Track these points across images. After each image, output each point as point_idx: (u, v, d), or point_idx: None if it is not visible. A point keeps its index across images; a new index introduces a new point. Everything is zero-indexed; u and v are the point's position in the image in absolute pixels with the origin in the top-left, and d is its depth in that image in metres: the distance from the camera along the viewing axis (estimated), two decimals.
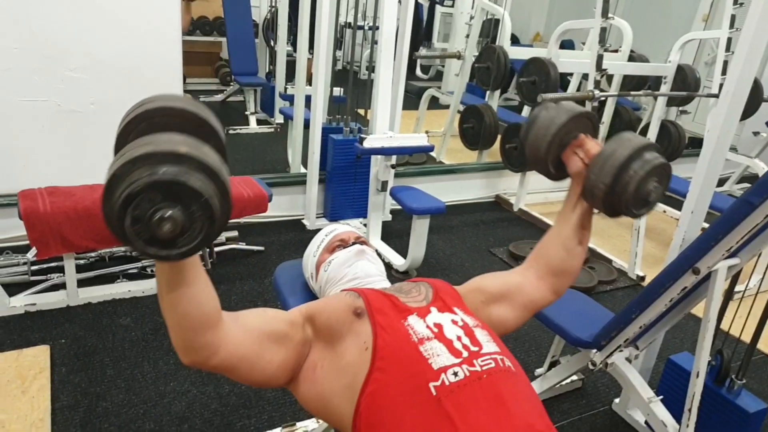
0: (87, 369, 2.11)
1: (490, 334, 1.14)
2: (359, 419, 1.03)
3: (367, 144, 2.86)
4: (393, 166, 3.02)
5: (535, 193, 4.10)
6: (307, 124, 3.72)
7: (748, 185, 4.79)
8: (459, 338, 1.09)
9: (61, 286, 2.49)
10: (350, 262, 1.39)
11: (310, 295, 1.52)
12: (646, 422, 2.11)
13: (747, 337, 1.83)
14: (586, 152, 1.23)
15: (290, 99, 4.19)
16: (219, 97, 5.77)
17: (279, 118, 5.12)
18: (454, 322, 1.13)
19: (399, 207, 3.52)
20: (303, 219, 3.50)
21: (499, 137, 3.96)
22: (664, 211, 4.14)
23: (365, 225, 3.42)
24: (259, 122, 5.14)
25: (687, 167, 4.67)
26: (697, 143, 4.77)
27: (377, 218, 3.24)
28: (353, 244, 1.45)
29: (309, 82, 3.51)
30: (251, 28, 5.35)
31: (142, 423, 1.91)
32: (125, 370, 2.13)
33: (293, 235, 3.36)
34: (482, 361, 1.06)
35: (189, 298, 0.95)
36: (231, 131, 4.91)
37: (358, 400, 1.03)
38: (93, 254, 2.73)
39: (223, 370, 1.05)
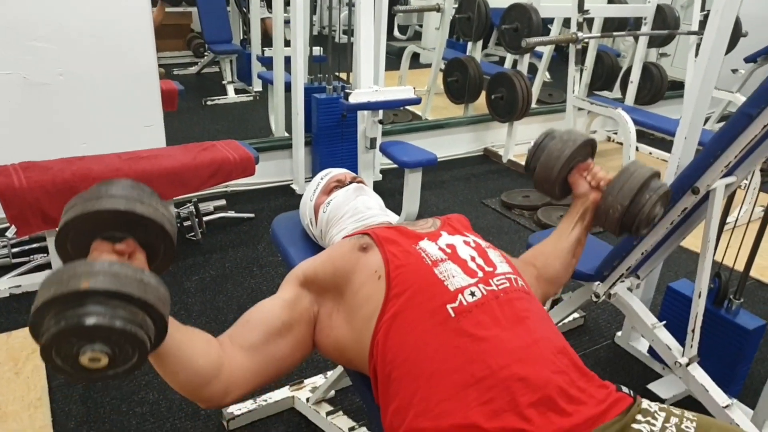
0: None
1: (502, 256, 1.13)
2: (376, 348, 1.00)
3: (353, 99, 2.78)
4: (380, 122, 2.96)
5: (522, 143, 4.06)
6: (287, 88, 3.65)
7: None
8: (473, 258, 1.08)
9: (46, 266, 2.44)
10: (350, 199, 1.36)
11: (310, 243, 1.48)
12: (648, 351, 2.13)
13: (739, 266, 1.85)
14: (593, 176, 1.32)
15: (268, 62, 4.08)
16: (193, 69, 5.62)
17: (257, 86, 5.00)
18: (466, 243, 1.12)
19: (389, 166, 3.50)
20: (292, 184, 3.44)
21: (484, 90, 3.90)
22: (650, 153, 4.14)
23: None
24: (237, 91, 5.02)
25: (669, 109, 4.68)
26: (677, 86, 4.76)
27: (368, 177, 3.17)
28: (350, 183, 1.41)
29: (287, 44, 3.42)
30: None
31: (145, 393, 1.88)
32: None
33: (283, 200, 3.30)
34: (497, 280, 1.04)
35: (182, 367, 0.91)
36: (209, 102, 4.80)
37: (375, 328, 1.01)
38: None
39: (241, 398, 1.03)
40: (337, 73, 3.63)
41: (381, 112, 2.95)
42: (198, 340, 0.95)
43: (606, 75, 4.54)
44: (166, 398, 1.86)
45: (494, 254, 1.12)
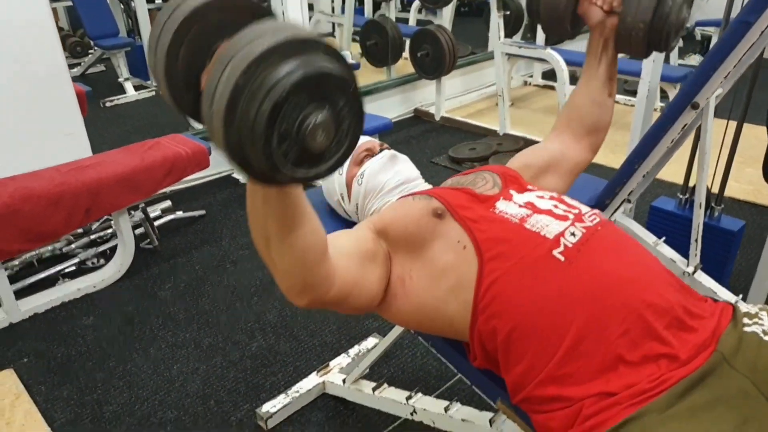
0: (71, 380, 1.86)
1: (576, 201, 1.12)
2: (485, 317, 0.96)
3: None
4: None
5: (450, 98, 4.12)
6: None
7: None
8: (555, 206, 1.05)
9: None
10: (387, 167, 1.28)
11: (341, 222, 1.40)
12: None
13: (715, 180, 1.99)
14: (604, 0, 1.21)
15: None
16: (76, 71, 5.10)
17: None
18: (540, 197, 1.09)
19: None
20: (233, 173, 3.25)
21: (407, 50, 3.88)
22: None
23: None
24: (136, 88, 4.64)
25: (578, 45, 4.92)
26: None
27: None
28: (381, 150, 1.33)
29: None
30: None
31: (162, 413, 1.72)
32: (116, 369, 1.90)
33: (229, 192, 3.12)
34: (588, 217, 1.03)
35: (309, 229, 0.82)
36: (108, 103, 4.41)
37: (475, 299, 0.96)
38: (16, 262, 2.36)
39: (336, 301, 0.94)
40: None
41: None
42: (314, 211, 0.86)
43: (513, 21, 4.67)
44: (187, 412, 1.72)
45: (569, 198, 1.10)
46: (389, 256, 1.05)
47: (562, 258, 0.94)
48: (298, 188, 0.78)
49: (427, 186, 1.30)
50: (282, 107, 0.59)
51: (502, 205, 1.05)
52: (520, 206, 1.05)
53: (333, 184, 1.36)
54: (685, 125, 1.62)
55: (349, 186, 1.32)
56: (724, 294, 1.76)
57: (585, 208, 1.07)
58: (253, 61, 0.57)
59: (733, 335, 0.92)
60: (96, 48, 4.73)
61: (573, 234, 0.98)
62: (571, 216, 1.02)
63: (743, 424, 0.82)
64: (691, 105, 1.57)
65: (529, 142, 3.46)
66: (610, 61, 1.27)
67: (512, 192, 1.10)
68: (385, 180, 1.27)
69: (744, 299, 1.94)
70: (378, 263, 1.02)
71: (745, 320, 0.95)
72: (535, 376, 0.92)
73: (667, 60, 4.58)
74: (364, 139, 1.38)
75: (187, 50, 0.69)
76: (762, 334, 0.92)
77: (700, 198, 1.73)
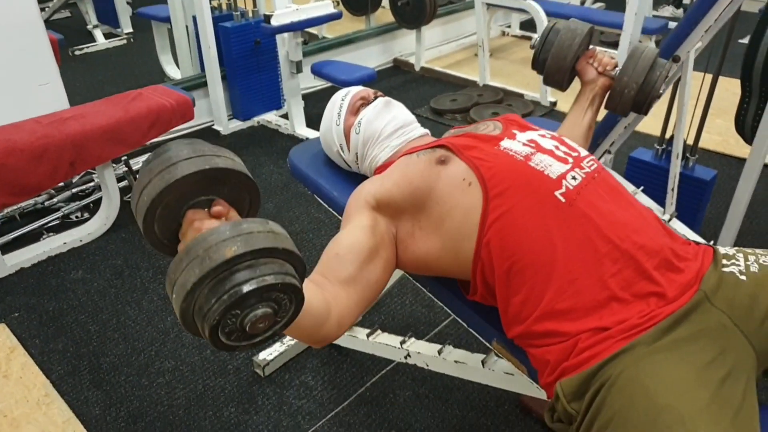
0: (65, 332, 1.88)
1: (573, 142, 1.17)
2: (487, 250, 1.01)
3: (276, 22, 2.62)
4: (305, 42, 2.83)
5: (430, 48, 4.09)
6: (166, 21, 3.35)
7: (602, 4, 5.12)
8: (557, 147, 1.11)
9: None
10: (383, 114, 1.30)
11: (338, 171, 1.43)
12: None
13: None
14: (599, 62, 1.40)
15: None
16: (41, 16, 4.89)
17: (127, 27, 4.50)
18: (542, 136, 1.14)
19: (308, 91, 3.38)
20: (213, 125, 3.21)
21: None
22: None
23: (284, 117, 3.24)
24: (106, 36, 4.49)
25: None
26: None
27: (297, 104, 3.06)
28: (375, 98, 1.35)
29: None
30: None
31: (160, 363, 1.77)
32: (109, 321, 1.93)
33: (212, 143, 3.08)
34: (587, 162, 1.09)
35: (302, 322, 0.84)
36: (78, 52, 4.26)
37: (479, 234, 1.02)
38: None
39: (357, 319, 1.06)
40: None
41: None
42: (314, 292, 0.92)
43: None
44: (185, 362, 1.77)
45: (569, 141, 1.15)
46: (392, 225, 1.11)
47: (563, 199, 1.00)
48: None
49: (423, 130, 1.34)
50: (217, 327, 0.68)
51: (506, 143, 1.10)
52: (524, 144, 1.10)
53: (332, 135, 1.37)
54: (666, 77, 1.67)
55: (347, 136, 1.34)
56: (698, 240, 1.85)
57: (583, 152, 1.13)
58: (186, 293, 0.66)
59: (714, 275, 1.00)
60: None
61: (574, 178, 1.04)
62: (570, 160, 1.08)
63: (720, 354, 0.90)
64: (672, 58, 1.62)
65: (509, 93, 3.49)
66: (593, 113, 1.43)
67: (515, 131, 1.15)
68: (382, 126, 1.30)
69: (714, 244, 2.05)
70: (378, 252, 1.07)
71: (724, 261, 1.03)
72: (532, 310, 0.98)
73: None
74: (357, 88, 1.40)
75: (161, 214, 0.76)
76: (738, 274, 1.01)
77: (678, 149, 1.80)
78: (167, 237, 0.78)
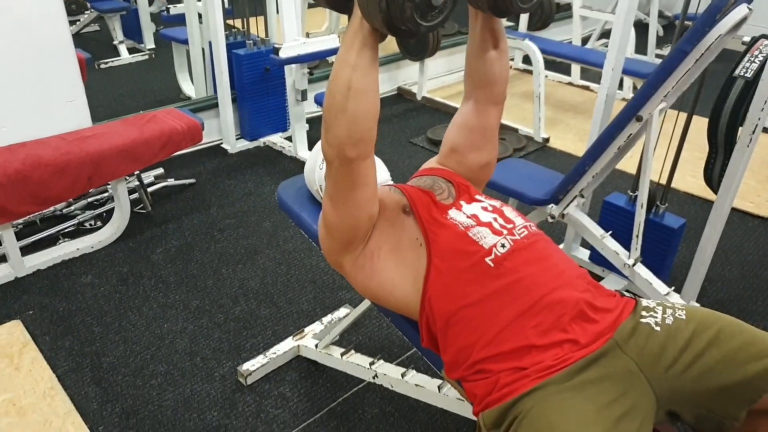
0: (72, 332, 2.06)
1: (514, 210, 1.32)
2: (429, 305, 1.19)
3: (284, 54, 2.82)
4: (310, 72, 3.02)
5: (433, 78, 4.27)
6: (185, 42, 3.56)
7: (607, 40, 5.26)
8: (495, 220, 1.26)
9: (1, 259, 2.33)
10: None
11: (319, 208, 1.59)
12: (589, 258, 2.49)
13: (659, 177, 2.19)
14: None
15: (173, 20, 3.90)
16: (72, 30, 5.13)
17: (150, 43, 4.74)
18: (485, 209, 1.29)
19: (313, 115, 3.56)
20: (222, 143, 3.41)
21: None
22: (547, 76, 4.51)
23: (288, 139, 3.42)
24: (130, 51, 4.73)
25: (559, 30, 5.06)
26: (562, 8, 5.14)
27: (301, 129, 3.25)
28: None
29: None
30: None
31: (154, 366, 1.94)
32: (112, 324, 2.11)
33: (218, 161, 3.29)
34: (518, 231, 1.24)
35: (377, 83, 1.08)
36: (103, 65, 4.50)
37: (423, 289, 1.19)
38: (20, 221, 2.54)
39: (362, 176, 1.16)
40: (228, 21, 3.54)
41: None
42: None
43: None
44: (176, 367, 1.94)
45: (508, 210, 1.31)
46: (375, 221, 1.26)
47: (492, 264, 1.17)
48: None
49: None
50: None
51: (453, 213, 1.27)
52: (467, 216, 1.26)
53: (313, 176, 1.55)
54: (630, 134, 1.82)
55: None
56: (659, 285, 1.99)
57: (519, 221, 1.28)
58: None
59: (630, 325, 1.15)
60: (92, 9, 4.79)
61: (503, 245, 1.20)
62: (504, 231, 1.23)
63: (622, 395, 1.05)
64: (635, 117, 1.78)
65: (504, 127, 3.65)
66: (482, 21, 1.29)
67: (462, 203, 1.31)
68: None
69: (679, 290, 2.19)
70: (377, 208, 1.24)
71: (643, 313, 1.18)
72: (466, 358, 1.16)
73: (644, 50, 4.77)
74: None
75: None
76: (654, 325, 1.15)
77: (642, 199, 1.94)
78: None
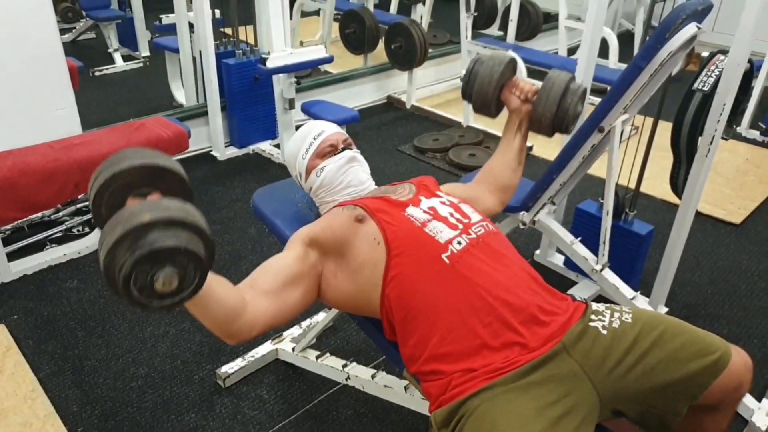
0: (56, 336, 2.12)
1: (471, 207, 1.38)
2: (388, 300, 1.24)
3: (270, 64, 2.88)
4: (297, 82, 3.08)
5: (422, 87, 4.33)
6: (177, 51, 3.62)
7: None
8: (451, 215, 1.32)
9: None
10: (343, 170, 1.49)
11: (295, 213, 1.65)
12: (564, 263, 2.54)
13: (629, 183, 2.25)
14: (521, 90, 1.56)
15: (165, 29, 3.97)
16: (67, 38, 5.24)
17: (144, 51, 4.82)
18: (443, 203, 1.36)
19: (303, 121, 3.62)
20: (211, 151, 3.48)
21: (382, 39, 4.08)
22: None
23: (277, 146, 3.49)
24: (125, 58, 4.81)
25: (546, 41, 5.14)
26: (552, 18, 5.21)
27: (290, 136, 3.30)
28: (343, 149, 1.52)
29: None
30: None
31: (135, 369, 2.00)
32: (95, 328, 2.17)
33: (207, 169, 3.36)
34: (475, 228, 1.30)
35: (213, 307, 1.08)
36: (98, 73, 4.58)
37: (382, 286, 1.24)
38: (8, 227, 2.60)
39: (264, 332, 1.21)
40: (221, 29, 3.61)
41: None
42: (226, 287, 1.13)
43: (487, 15, 4.87)
44: (156, 370, 1.99)
45: (466, 207, 1.37)
46: (319, 263, 1.32)
47: (447, 261, 1.22)
48: (203, 294, 0.99)
49: (374, 185, 1.54)
50: (130, 277, 0.84)
51: (410, 210, 1.33)
52: (424, 211, 1.32)
53: (294, 162, 1.55)
54: (593, 144, 1.88)
55: (308, 172, 1.52)
56: (625, 290, 2.04)
57: (475, 218, 1.34)
58: (110, 247, 0.83)
59: (578, 329, 1.20)
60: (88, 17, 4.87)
61: (459, 243, 1.25)
62: (460, 226, 1.29)
63: (565, 396, 1.11)
64: (598, 129, 1.84)
65: (489, 136, 3.71)
66: (522, 138, 1.59)
67: (421, 198, 1.37)
68: (339, 180, 1.49)
69: (648, 294, 2.25)
70: (302, 281, 1.28)
71: (592, 317, 1.24)
72: (422, 352, 1.21)
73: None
74: (332, 130, 1.56)
75: (108, 200, 0.98)
76: (601, 329, 1.21)
77: (608, 206, 2.00)
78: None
